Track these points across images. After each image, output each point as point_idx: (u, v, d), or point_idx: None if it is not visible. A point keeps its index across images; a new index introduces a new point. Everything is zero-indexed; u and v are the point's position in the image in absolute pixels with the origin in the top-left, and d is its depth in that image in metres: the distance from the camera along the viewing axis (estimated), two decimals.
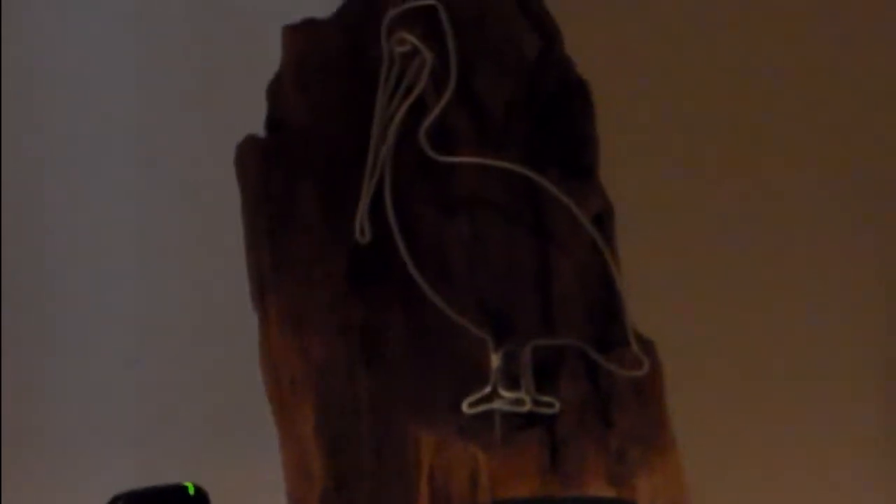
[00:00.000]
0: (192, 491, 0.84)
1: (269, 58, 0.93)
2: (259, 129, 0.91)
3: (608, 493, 0.86)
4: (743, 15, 1.38)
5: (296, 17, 0.93)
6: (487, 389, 0.86)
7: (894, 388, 1.29)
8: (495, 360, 0.85)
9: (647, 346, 0.89)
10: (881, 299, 1.37)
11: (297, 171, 0.91)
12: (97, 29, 1.26)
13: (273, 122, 0.93)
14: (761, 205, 1.36)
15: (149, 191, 1.24)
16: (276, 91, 0.92)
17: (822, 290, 1.35)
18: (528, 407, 0.86)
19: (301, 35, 0.92)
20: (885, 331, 1.34)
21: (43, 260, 1.29)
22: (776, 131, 1.38)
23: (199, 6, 1.29)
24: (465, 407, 0.85)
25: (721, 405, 1.19)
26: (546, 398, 0.86)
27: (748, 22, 1.39)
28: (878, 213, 1.36)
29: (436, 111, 0.87)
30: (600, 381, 0.88)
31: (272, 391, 0.90)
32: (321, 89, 0.91)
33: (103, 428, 1.27)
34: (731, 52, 1.40)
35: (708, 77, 1.40)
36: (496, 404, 0.86)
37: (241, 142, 0.91)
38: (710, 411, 1.16)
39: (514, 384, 0.86)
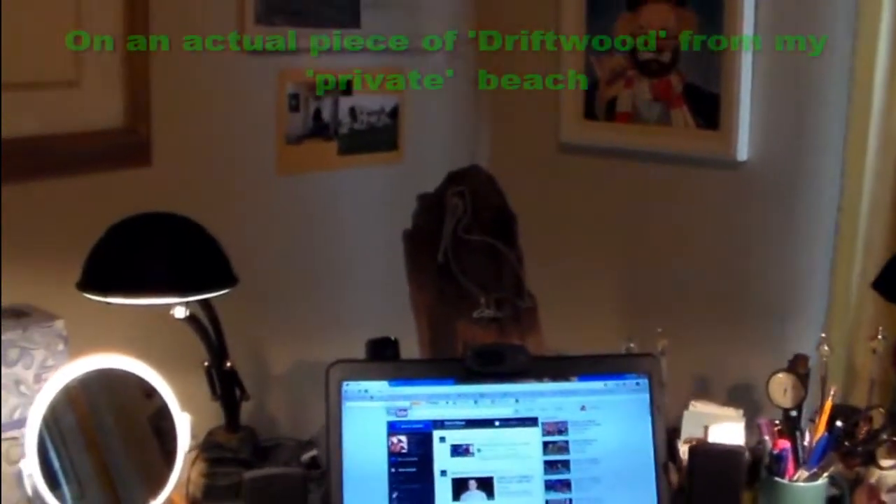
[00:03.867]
0: (393, 339, 1.87)
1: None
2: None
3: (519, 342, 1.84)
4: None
5: (421, 191, 1.96)
6: (482, 309, 1.85)
7: None
8: (483, 301, 1.85)
9: (532, 297, 1.92)
10: None
11: (421, 244, 1.88)
12: None
13: (414, 227, 1.93)
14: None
15: (389, 239, 2.07)
16: (415, 215, 1.93)
17: None
18: (493, 315, 1.85)
19: (423, 197, 1.94)
20: None
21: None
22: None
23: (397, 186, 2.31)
24: (474, 315, 1.83)
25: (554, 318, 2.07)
26: (499, 314, 1.86)
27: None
28: None
29: (463, 221, 1.87)
30: (517, 307, 1.88)
31: (413, 307, 1.89)
32: (428, 216, 1.91)
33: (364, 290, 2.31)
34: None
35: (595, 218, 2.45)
36: (484, 314, 1.83)
37: (404, 232, 1.92)
38: (555, 316, 2.05)
39: (489, 308, 1.85)
